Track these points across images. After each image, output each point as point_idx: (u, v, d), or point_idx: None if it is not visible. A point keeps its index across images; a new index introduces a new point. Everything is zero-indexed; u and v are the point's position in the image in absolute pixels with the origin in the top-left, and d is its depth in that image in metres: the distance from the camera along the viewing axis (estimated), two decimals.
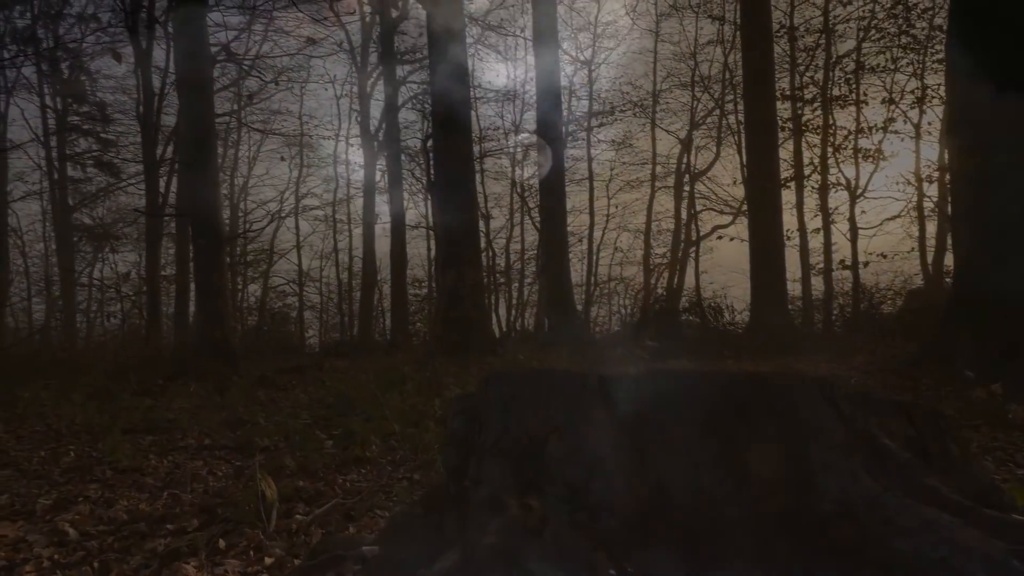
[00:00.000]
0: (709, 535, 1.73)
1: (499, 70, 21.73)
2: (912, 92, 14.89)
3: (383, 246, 19.51)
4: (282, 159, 21.12)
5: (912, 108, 15.06)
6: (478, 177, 21.31)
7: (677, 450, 1.80)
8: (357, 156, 21.51)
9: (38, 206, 19.25)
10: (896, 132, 15.43)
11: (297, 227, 22.55)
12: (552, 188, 14.66)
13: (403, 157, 19.99)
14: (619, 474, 1.77)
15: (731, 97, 18.88)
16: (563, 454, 1.87)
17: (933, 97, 14.44)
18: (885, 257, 15.59)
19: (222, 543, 3.45)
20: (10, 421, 6.84)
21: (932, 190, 15.68)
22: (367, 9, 19.29)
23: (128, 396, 7.80)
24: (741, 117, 16.90)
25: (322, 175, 22.95)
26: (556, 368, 2.30)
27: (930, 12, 13.95)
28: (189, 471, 4.74)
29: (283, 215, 22.12)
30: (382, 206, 19.92)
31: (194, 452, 5.71)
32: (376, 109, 20.08)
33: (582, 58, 20.84)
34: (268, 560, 3.20)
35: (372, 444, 5.38)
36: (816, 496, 1.69)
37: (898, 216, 16.07)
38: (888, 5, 14.55)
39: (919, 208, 15.96)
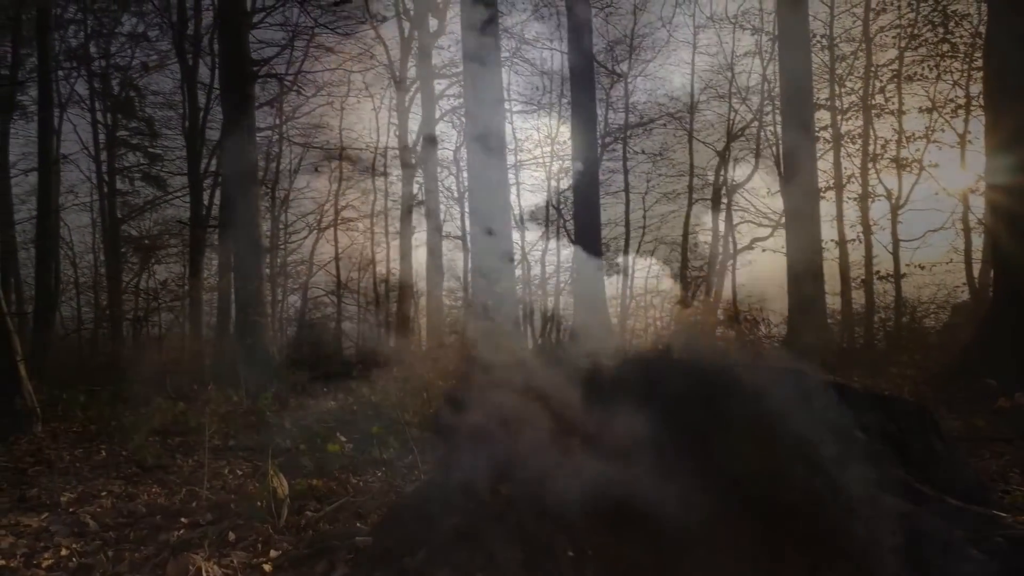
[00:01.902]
0: (676, 522, 1.74)
1: (534, 82, 21.70)
2: (952, 100, 14.56)
3: (419, 257, 19.69)
4: (316, 169, 21.53)
5: (954, 116, 14.70)
6: (513, 189, 21.45)
7: (646, 439, 1.81)
8: (395, 169, 21.74)
9: (88, 218, 19.95)
10: (936, 142, 15.07)
11: (336, 239, 22.92)
12: (586, 200, 14.64)
13: (440, 169, 20.20)
14: (589, 460, 1.79)
15: (769, 108, 18.67)
16: (536, 442, 1.90)
17: (977, 106, 14.08)
18: (923, 268, 15.19)
19: (232, 536, 3.54)
20: (49, 421, 7.09)
21: (979, 201, 15.24)
22: (406, 25, 19.60)
23: (162, 400, 8.01)
24: (779, 128, 16.69)
25: (361, 188, 23.28)
26: (535, 360, 2.33)
27: (969, 18, 13.66)
28: (207, 469, 4.85)
29: (322, 227, 22.51)
30: (419, 218, 20.12)
31: (219, 453, 5.86)
32: (414, 123, 20.34)
33: (618, 70, 20.82)
34: (274, 553, 3.28)
35: (390, 447, 5.45)
36: (783, 485, 1.68)
37: (941, 228, 15.64)
38: (926, 12, 14.28)
39: (964, 220, 15.52)
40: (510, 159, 19.20)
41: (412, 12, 19.08)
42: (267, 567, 2.99)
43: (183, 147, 18.17)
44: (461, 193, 20.19)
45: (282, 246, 22.07)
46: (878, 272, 15.63)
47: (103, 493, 4.49)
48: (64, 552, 3.44)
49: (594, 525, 1.77)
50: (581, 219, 15.07)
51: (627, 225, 21.29)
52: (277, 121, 20.12)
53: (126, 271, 19.41)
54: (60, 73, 16.36)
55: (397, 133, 20.60)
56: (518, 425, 1.98)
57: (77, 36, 17.05)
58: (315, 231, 22.66)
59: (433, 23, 19.04)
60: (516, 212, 21.29)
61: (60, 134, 16.68)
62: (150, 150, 19.37)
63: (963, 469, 2.08)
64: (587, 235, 14.66)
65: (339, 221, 22.80)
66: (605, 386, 2.02)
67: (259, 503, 3.84)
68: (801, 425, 1.77)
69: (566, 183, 20.45)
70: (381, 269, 23.33)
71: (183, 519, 3.86)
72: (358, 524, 3.51)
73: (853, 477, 1.67)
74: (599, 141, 19.51)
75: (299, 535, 3.54)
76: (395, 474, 4.77)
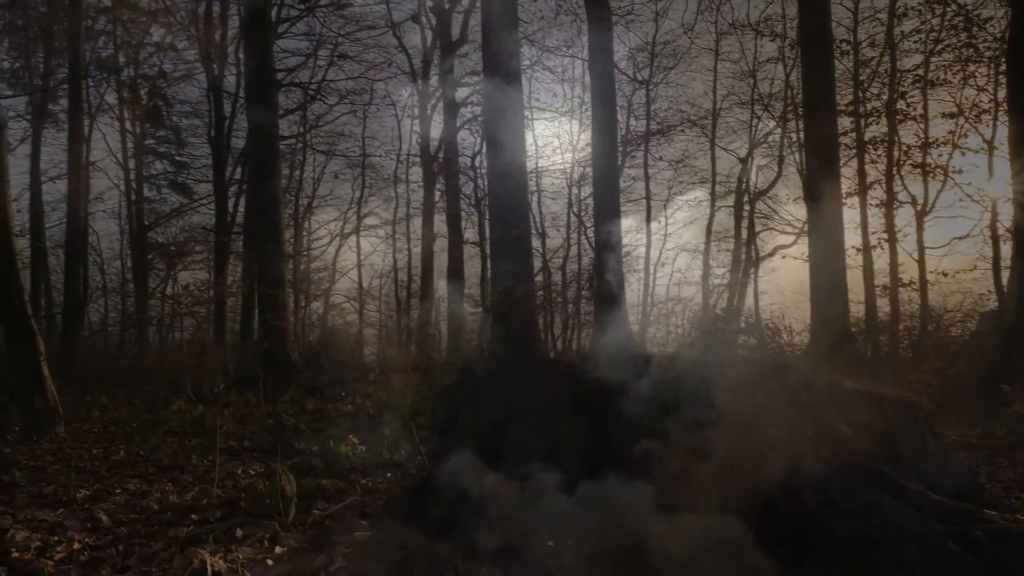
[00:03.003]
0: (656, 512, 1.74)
1: (555, 90, 21.74)
2: (975, 105, 14.34)
3: (440, 264, 19.82)
4: (336, 176, 21.76)
5: (977, 121, 14.47)
6: (535, 197, 21.49)
7: (633, 432, 1.82)
8: (417, 176, 21.93)
9: (116, 225, 20.35)
10: (960, 148, 14.84)
11: (358, 246, 23.16)
12: (607, 207, 14.61)
13: (461, 176, 20.30)
14: (576, 454, 1.79)
15: (793, 115, 18.52)
16: (523, 436, 1.91)
17: (1004, 112, 13.86)
18: (946, 275, 14.94)
19: (239, 532, 3.59)
20: (71, 422, 7.23)
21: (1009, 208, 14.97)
22: (428, 33, 19.77)
23: (182, 402, 8.13)
24: (802, 135, 16.53)
25: (383, 195, 23.53)
26: (526, 357, 2.32)
27: (992, 22, 13.46)
28: (218, 469, 4.92)
29: (345, 234, 22.77)
30: (440, 225, 20.25)
31: (234, 453, 5.93)
32: (436, 131, 20.47)
33: (640, 77, 20.78)
34: (279, 549, 3.32)
35: (401, 449, 5.49)
36: (764, 479, 1.68)
37: (967, 236, 15.35)
38: (949, 17, 14.10)
39: (992, 227, 15.24)
40: (530, 165, 19.25)
41: (434, 21, 19.23)
42: (269, 561, 3.03)
43: (209, 155, 18.53)
44: (479, 199, 20.24)
45: (305, 253, 22.31)
46: (903, 280, 15.38)
47: (118, 491, 4.57)
48: (76, 546, 3.51)
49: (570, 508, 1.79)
50: (601, 225, 15.03)
51: (648, 232, 21.21)
52: (301, 129, 20.39)
53: (152, 277, 19.75)
54: (90, 82, 16.73)
55: (419, 141, 20.76)
56: (507, 414, 2.00)
57: (107, 47, 17.44)
58: (338, 238, 22.94)
59: (455, 32, 19.20)
60: (537, 219, 21.32)
61: (90, 142, 17.04)
62: (177, 158, 19.75)
63: (956, 467, 2.06)
64: (607, 241, 14.63)
65: (361, 228, 23.06)
66: (599, 381, 2.03)
67: (268, 501, 3.90)
68: (782, 420, 1.77)
69: (587, 190, 20.44)
70: (403, 276, 23.54)
71: (193, 516, 3.92)
72: (362, 522, 3.54)
73: (834, 470, 1.67)
74: (620, 148, 19.48)
75: (306, 532, 3.58)
76: (405, 474, 4.80)
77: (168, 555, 3.31)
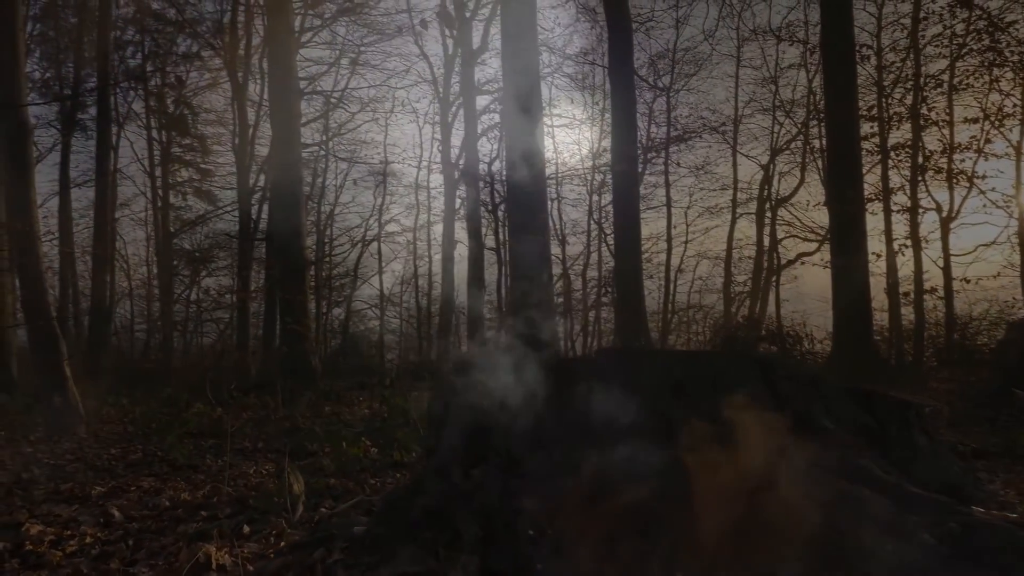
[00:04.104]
0: (639, 508, 1.75)
1: (576, 97, 21.80)
2: (1000, 110, 14.10)
3: (461, 271, 19.89)
4: (354, 183, 21.98)
5: (1001, 126, 14.22)
6: (555, 204, 21.51)
7: (616, 425, 1.83)
8: (438, 183, 22.11)
9: (143, 232, 20.72)
10: (985, 153, 14.59)
11: (380, 253, 23.33)
12: (627, 214, 14.58)
13: (481, 184, 20.39)
14: (558, 447, 1.81)
15: (815, 121, 18.36)
16: (508, 428, 1.94)
17: None
18: (968, 282, 14.68)
19: (247, 528, 3.65)
20: (93, 423, 7.37)
21: None
22: (449, 41, 19.91)
23: (202, 405, 8.25)
24: (824, 141, 16.37)
25: (405, 203, 23.70)
26: (513, 349, 2.36)
27: (1015, 26, 13.25)
28: (232, 468, 4.99)
29: (367, 241, 22.95)
30: (461, 232, 20.33)
31: (248, 454, 6.01)
32: (457, 138, 20.59)
33: (660, 84, 20.72)
34: (283, 545, 3.37)
35: (412, 451, 5.52)
36: (742, 471, 1.68)
37: (993, 243, 15.07)
38: (972, 21, 13.91)
39: (1020, 234, 14.96)
40: (550, 170, 19.28)
41: (456, 29, 19.36)
42: (270, 554, 3.08)
43: (233, 163, 18.82)
44: (495, 204, 20.30)
45: (327, 259, 22.51)
46: (927, 287, 15.15)
47: (132, 488, 4.66)
48: (88, 540, 3.59)
49: (560, 506, 1.80)
50: (622, 234, 15.00)
51: (669, 240, 21.10)
52: (323, 137, 20.62)
53: (177, 283, 20.04)
54: (118, 91, 17.09)
55: (440, 148, 20.90)
56: (494, 407, 2.03)
57: (135, 56, 17.81)
58: (359, 245, 23.13)
59: (476, 39, 19.33)
60: (557, 226, 21.34)
61: (118, 150, 17.39)
62: (202, 166, 20.05)
63: (948, 465, 2.05)
64: (627, 249, 14.59)
65: (383, 235, 23.25)
66: (585, 375, 2.04)
67: (276, 499, 3.96)
68: (764, 411, 1.77)
69: (607, 197, 20.41)
70: (423, 282, 23.68)
71: (203, 513, 3.98)
72: (362, 518, 3.58)
73: (813, 463, 1.67)
74: (641, 155, 19.44)
75: (311, 529, 3.62)
76: (410, 474, 4.83)
77: (175, 549, 3.38)
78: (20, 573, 3.17)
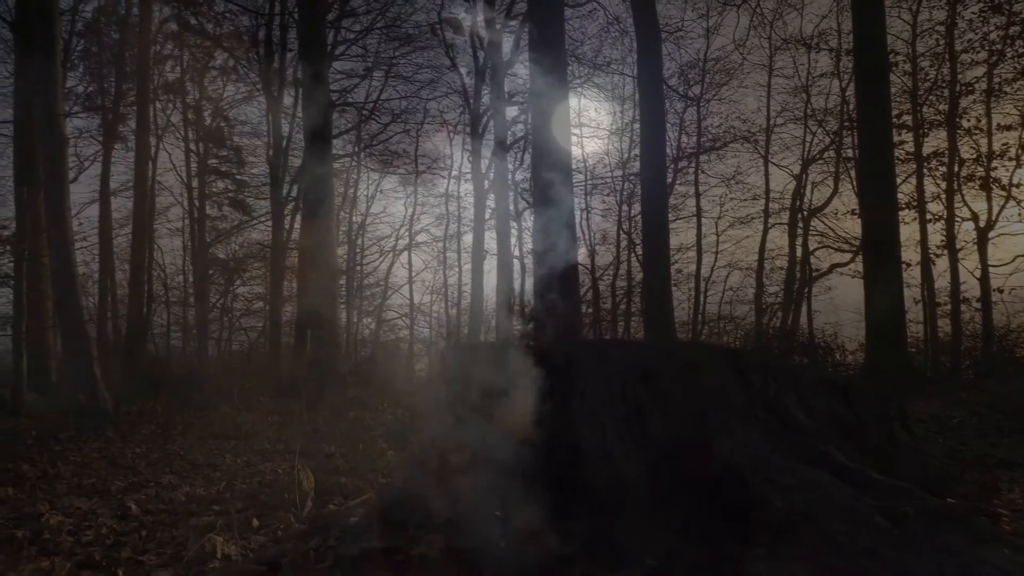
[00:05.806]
0: (613, 493, 1.77)
1: (605, 107, 21.78)
2: None
3: (491, 280, 20.00)
4: (380, 191, 22.25)
5: None
6: (583, 214, 21.53)
7: (592, 413, 1.86)
8: (467, 192, 22.29)
9: (179, 241, 21.21)
10: (1022, 162, 14.27)
11: (410, 262, 23.57)
12: (655, 221, 14.52)
13: (511, 194, 20.51)
14: (539, 435, 1.85)
15: (848, 130, 18.12)
16: (494, 419, 1.98)
17: None
18: (1001, 292, 14.33)
19: (255, 522, 3.73)
20: (121, 425, 7.56)
21: None
22: (480, 52, 20.11)
23: (228, 408, 8.41)
24: (858, 151, 16.14)
25: (435, 213, 23.91)
26: (502, 341, 2.37)
27: None
28: (239, 465, 5.09)
29: (397, 251, 23.22)
30: (490, 242, 20.47)
31: (267, 455, 6.11)
32: (487, 149, 20.74)
33: (691, 94, 20.65)
34: (282, 534, 3.45)
35: None
36: (711, 458, 1.70)
37: None
38: (1006, 27, 13.66)
39: None
40: (579, 179, 19.32)
41: (486, 40, 19.55)
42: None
43: (267, 174, 19.18)
44: (519, 212, 20.38)
45: (358, 268, 22.78)
46: (964, 298, 14.84)
47: (151, 484, 4.78)
48: (104, 531, 3.70)
49: (541, 491, 1.84)
50: (650, 243, 14.93)
51: (699, 250, 20.94)
52: (355, 148, 20.93)
53: (212, 291, 20.46)
54: (157, 104, 17.59)
55: (470, 159, 21.06)
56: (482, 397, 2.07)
57: (174, 70, 18.30)
58: (390, 254, 23.39)
59: (506, 51, 19.49)
60: (586, 237, 21.34)
61: (156, 161, 17.87)
62: (237, 177, 20.47)
63: (927, 460, 2.03)
64: (656, 259, 14.51)
65: (413, 244, 23.48)
66: (563, 365, 2.07)
67: (286, 495, 4.04)
68: (733, 400, 1.79)
69: (637, 207, 20.36)
70: (453, 292, 23.84)
71: (215, 507, 4.08)
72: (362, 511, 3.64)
73: (777, 449, 1.68)
74: (671, 165, 19.37)
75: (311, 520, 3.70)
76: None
77: (185, 540, 3.47)
78: (36, 559, 3.28)
